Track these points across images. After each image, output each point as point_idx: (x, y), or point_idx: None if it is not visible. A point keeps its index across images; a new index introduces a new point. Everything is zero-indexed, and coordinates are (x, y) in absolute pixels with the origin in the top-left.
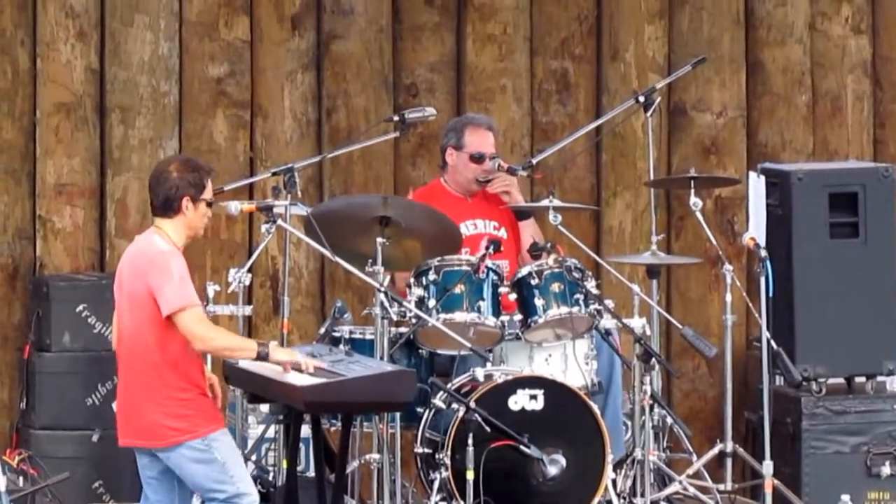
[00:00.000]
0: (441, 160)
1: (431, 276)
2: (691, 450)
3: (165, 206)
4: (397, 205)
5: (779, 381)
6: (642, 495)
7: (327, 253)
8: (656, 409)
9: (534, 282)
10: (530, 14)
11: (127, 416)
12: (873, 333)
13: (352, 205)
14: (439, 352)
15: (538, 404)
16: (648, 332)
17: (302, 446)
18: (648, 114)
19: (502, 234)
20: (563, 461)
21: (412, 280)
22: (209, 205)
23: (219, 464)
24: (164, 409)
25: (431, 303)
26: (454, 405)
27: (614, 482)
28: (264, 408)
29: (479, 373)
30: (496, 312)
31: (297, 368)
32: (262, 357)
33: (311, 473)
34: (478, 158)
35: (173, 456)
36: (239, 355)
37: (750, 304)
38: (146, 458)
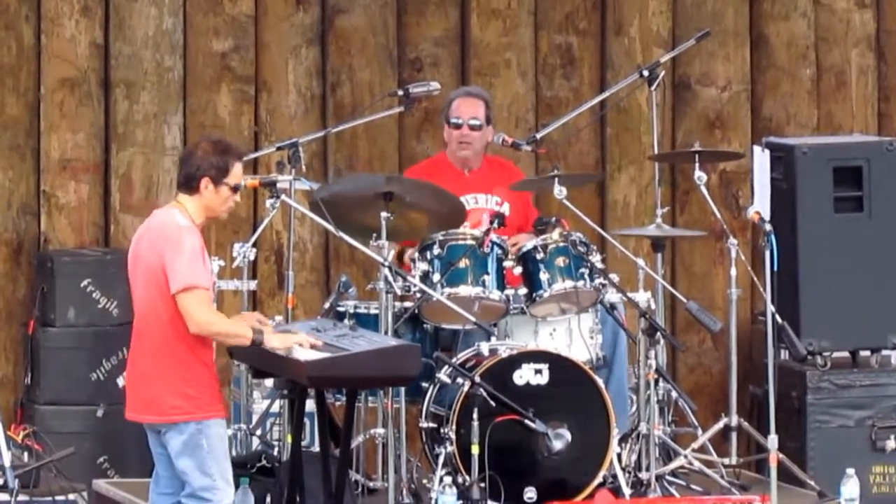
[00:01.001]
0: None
1: (436, 251)
2: (696, 424)
3: (186, 183)
4: (401, 184)
5: (784, 355)
6: (647, 469)
7: (331, 228)
8: (661, 384)
9: (539, 256)
10: None
11: (134, 390)
12: (878, 307)
13: (355, 184)
14: (444, 326)
15: (543, 379)
16: (653, 307)
17: (307, 421)
18: (652, 88)
19: (504, 209)
20: (568, 435)
21: (416, 255)
22: (235, 190)
23: (203, 452)
24: (170, 384)
25: (436, 277)
26: (459, 380)
27: (619, 456)
28: (269, 383)
29: (484, 347)
30: (501, 286)
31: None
32: (257, 344)
33: (316, 448)
34: (455, 125)
35: (169, 432)
36: (234, 342)
37: (755, 279)
38: (154, 434)
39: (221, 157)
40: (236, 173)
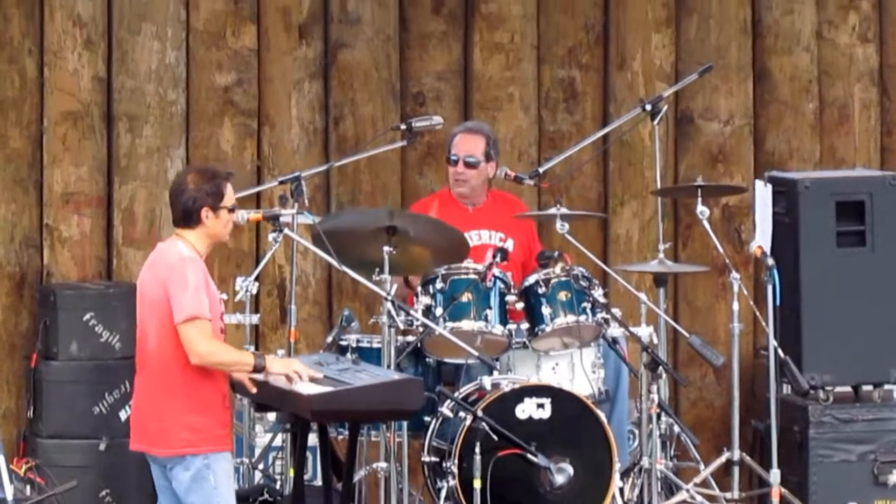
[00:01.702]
0: None
1: (438, 285)
2: (698, 458)
3: (185, 218)
4: (403, 217)
5: (786, 389)
6: None
7: (334, 262)
8: (663, 418)
9: (541, 290)
10: (537, 23)
11: (140, 421)
12: (880, 341)
13: (358, 218)
14: (446, 360)
15: (545, 413)
16: (655, 341)
17: (309, 455)
18: (655, 122)
19: (508, 245)
20: (570, 470)
21: (419, 288)
22: (231, 210)
23: (209, 487)
24: (176, 417)
25: (438, 311)
26: (461, 414)
27: (621, 491)
28: (271, 416)
29: (487, 381)
30: (503, 321)
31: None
32: (259, 370)
33: (319, 482)
34: (452, 161)
35: (175, 467)
36: (236, 370)
37: (757, 313)
38: (158, 466)
39: (213, 183)
40: (229, 194)
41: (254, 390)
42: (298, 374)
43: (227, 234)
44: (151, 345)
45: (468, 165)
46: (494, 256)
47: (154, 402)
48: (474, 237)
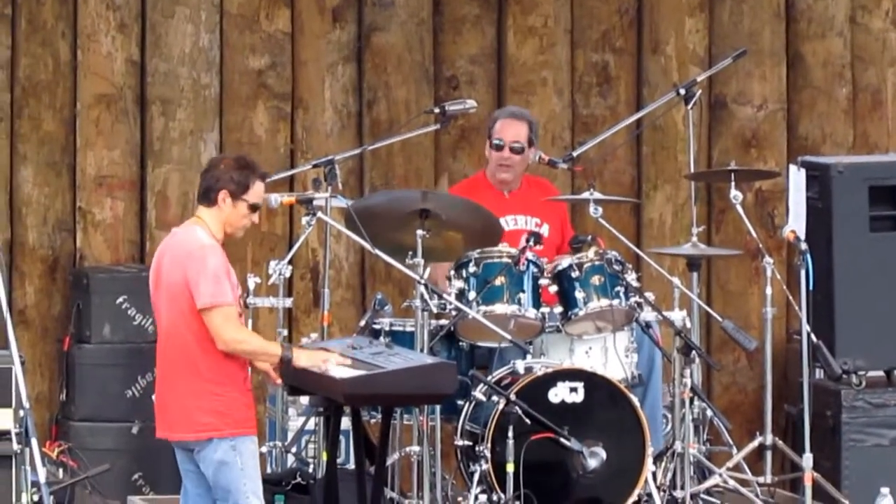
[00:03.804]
0: None
1: (472, 268)
2: (731, 443)
3: (205, 195)
4: (437, 199)
5: (819, 374)
6: (682, 488)
7: (367, 246)
8: (696, 402)
9: (574, 274)
10: (571, 6)
11: (163, 408)
12: None
13: (391, 199)
14: (479, 344)
15: (578, 397)
16: (689, 325)
17: (342, 438)
18: (689, 106)
19: (544, 230)
20: (603, 454)
21: (452, 272)
22: (253, 208)
23: (237, 470)
24: (198, 401)
25: (472, 295)
26: (494, 398)
27: (654, 475)
28: (304, 400)
29: (520, 365)
30: (536, 304)
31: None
32: (286, 362)
33: (351, 466)
34: (497, 147)
35: (202, 450)
36: (263, 359)
37: (790, 297)
38: (183, 451)
39: (242, 173)
40: (256, 191)
41: (278, 382)
42: (331, 362)
43: (241, 230)
44: (170, 330)
45: (514, 151)
46: (528, 240)
47: (176, 386)
48: (510, 222)
